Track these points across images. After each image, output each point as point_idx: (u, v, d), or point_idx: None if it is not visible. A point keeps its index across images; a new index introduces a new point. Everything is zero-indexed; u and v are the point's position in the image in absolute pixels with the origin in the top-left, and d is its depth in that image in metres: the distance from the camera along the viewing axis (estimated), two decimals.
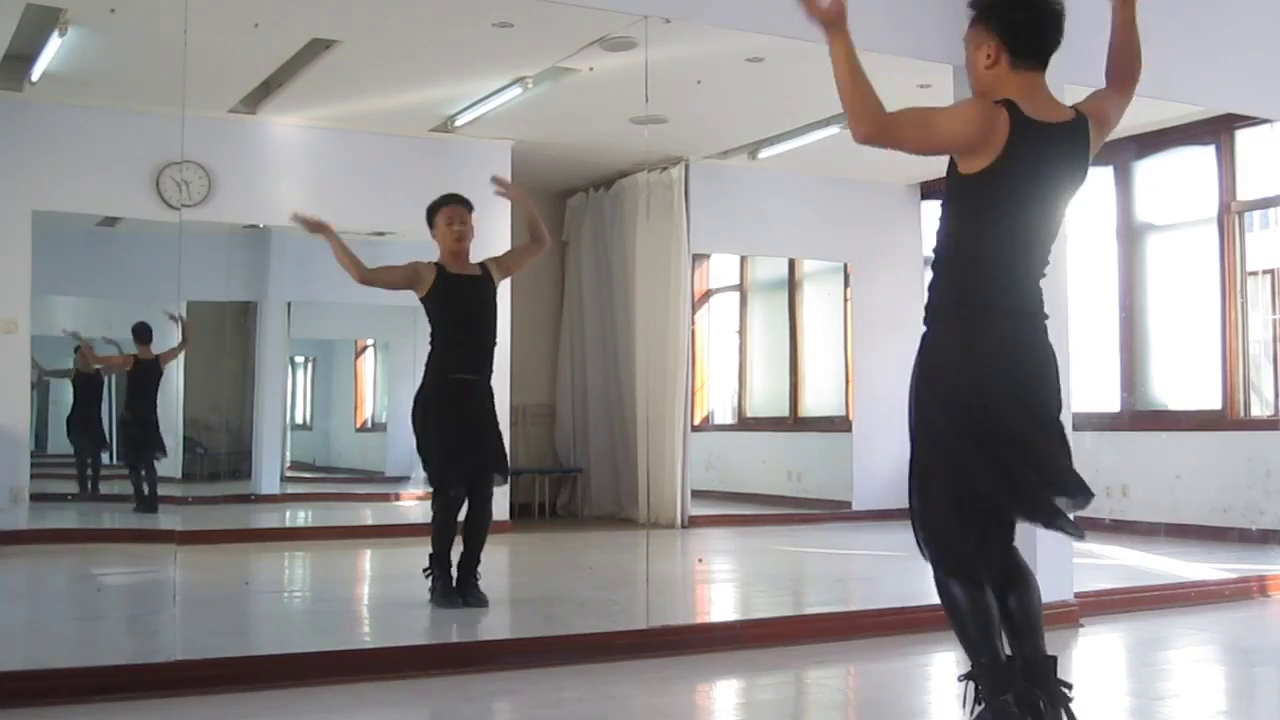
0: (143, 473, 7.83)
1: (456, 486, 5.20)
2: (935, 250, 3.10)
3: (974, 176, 2.92)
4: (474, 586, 5.18)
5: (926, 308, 3.06)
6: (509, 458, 5.59)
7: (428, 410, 5.22)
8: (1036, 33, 2.96)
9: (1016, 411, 2.90)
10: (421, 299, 5.28)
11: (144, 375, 7.72)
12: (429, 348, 5.31)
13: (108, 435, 8.08)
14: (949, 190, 3.02)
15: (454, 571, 5.17)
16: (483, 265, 5.37)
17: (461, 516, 5.27)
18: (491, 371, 5.33)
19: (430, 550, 5.17)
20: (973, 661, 2.94)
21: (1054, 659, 2.93)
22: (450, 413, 5.16)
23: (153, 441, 7.72)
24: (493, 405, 5.34)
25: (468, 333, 5.25)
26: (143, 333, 7.69)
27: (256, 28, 6.21)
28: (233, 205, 7.70)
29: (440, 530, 5.20)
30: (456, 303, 5.22)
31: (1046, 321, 3.03)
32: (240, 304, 8.45)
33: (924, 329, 3.06)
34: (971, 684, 2.95)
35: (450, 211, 5.31)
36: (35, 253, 7.12)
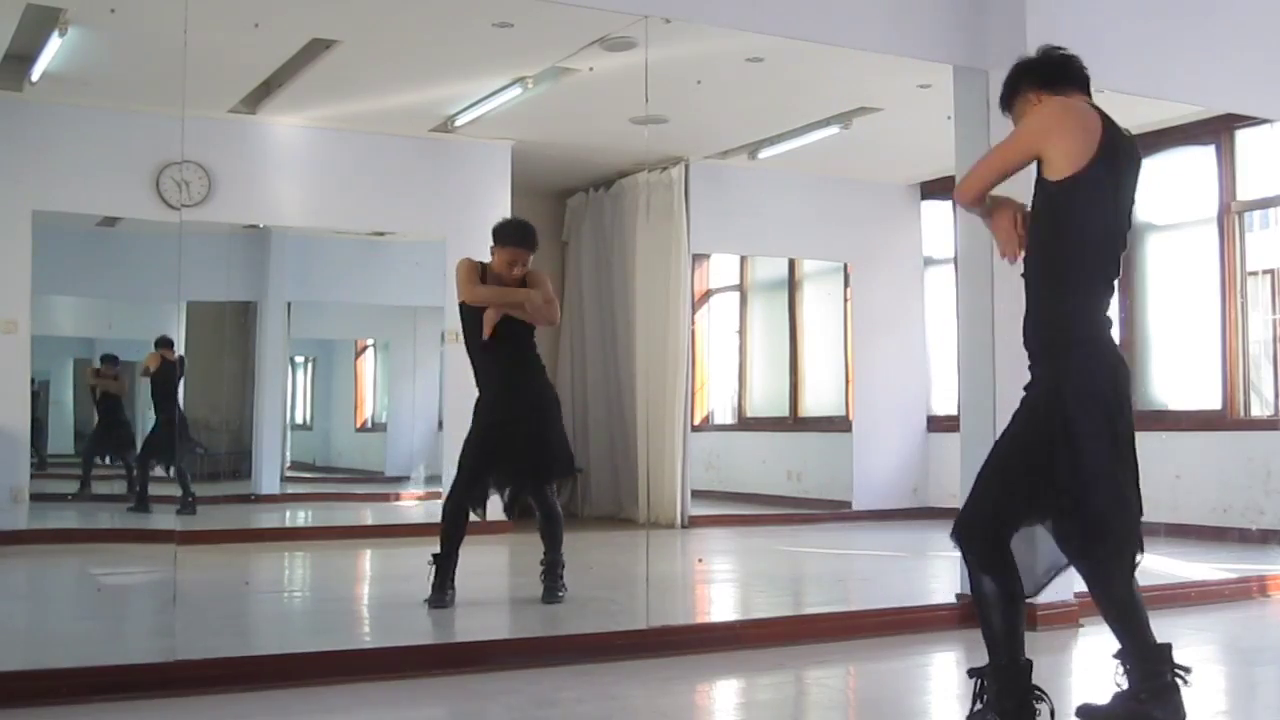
0: (170, 472, 7.87)
1: (466, 490, 5.20)
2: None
3: (1068, 180, 2.91)
4: (553, 581, 5.20)
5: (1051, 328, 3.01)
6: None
7: (473, 418, 5.25)
8: (1061, 62, 3.10)
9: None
10: (462, 306, 5.27)
11: (169, 377, 7.77)
12: (470, 358, 5.31)
13: (135, 441, 8.12)
14: (1049, 198, 2.99)
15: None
16: (523, 281, 5.33)
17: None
18: (543, 378, 5.39)
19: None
20: (991, 658, 2.94)
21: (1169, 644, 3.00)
22: (488, 420, 5.19)
23: (186, 440, 7.77)
24: (548, 407, 5.35)
25: (505, 343, 5.26)
26: (164, 340, 7.78)
27: (256, 28, 6.20)
28: (233, 205, 7.70)
29: (445, 527, 5.19)
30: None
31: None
32: (240, 304, 8.46)
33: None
34: (977, 681, 2.96)
35: (516, 255, 5.25)
36: (35, 253, 7.12)
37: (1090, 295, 2.98)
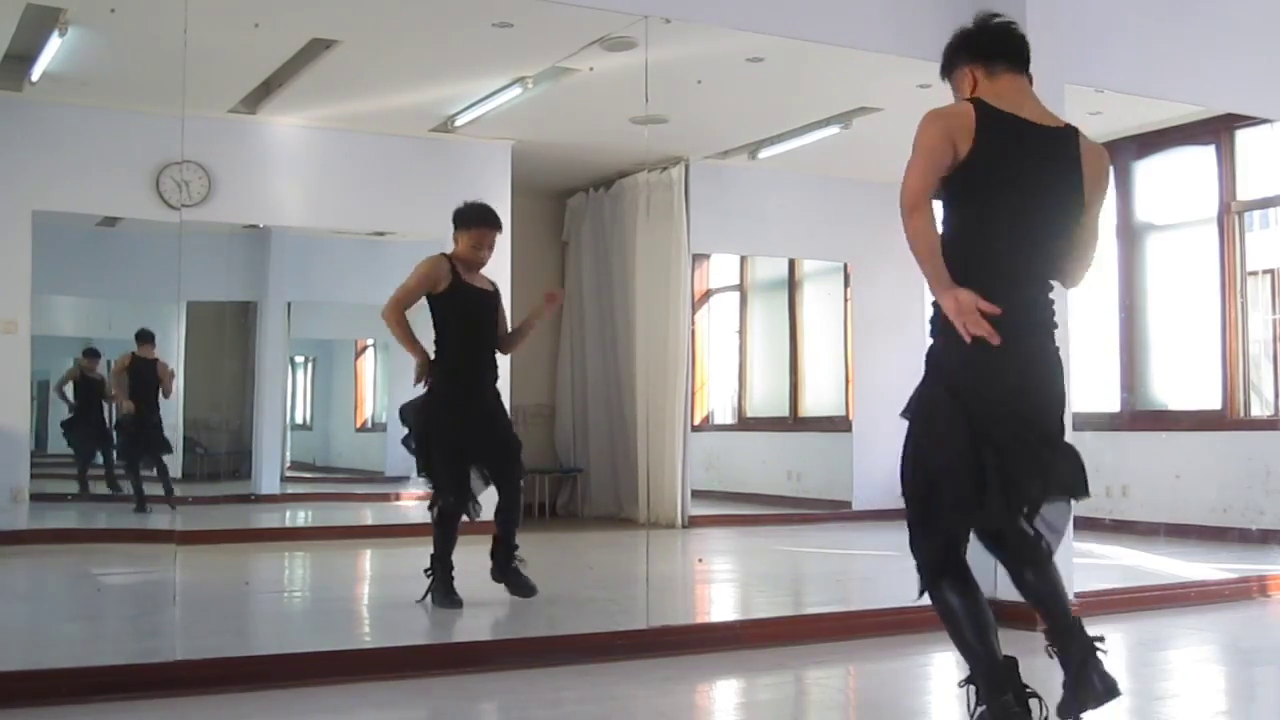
0: (143, 473, 7.83)
1: (458, 492, 5.19)
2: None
3: (957, 169, 2.91)
4: (516, 572, 5.19)
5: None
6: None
7: (433, 414, 5.21)
8: (999, 36, 3.07)
9: (1007, 419, 2.91)
10: (432, 299, 5.25)
11: (142, 374, 7.74)
12: (435, 350, 5.29)
13: (110, 436, 8.09)
14: (945, 191, 3.01)
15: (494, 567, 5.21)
16: (494, 285, 5.40)
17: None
18: (497, 376, 5.38)
19: (432, 551, 5.18)
20: (971, 665, 2.95)
21: (1078, 620, 2.98)
22: (457, 416, 5.16)
23: (153, 441, 7.72)
24: (501, 403, 5.40)
25: (477, 340, 5.27)
26: (144, 335, 7.72)
27: (256, 28, 6.20)
28: (233, 205, 7.70)
29: (442, 531, 5.19)
30: (467, 310, 5.23)
31: (1050, 330, 3.02)
32: (240, 304, 8.45)
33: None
34: (972, 687, 2.96)
35: (481, 235, 5.24)
36: (35, 253, 7.11)
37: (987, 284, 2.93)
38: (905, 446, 3.01)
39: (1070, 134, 3.04)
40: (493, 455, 5.26)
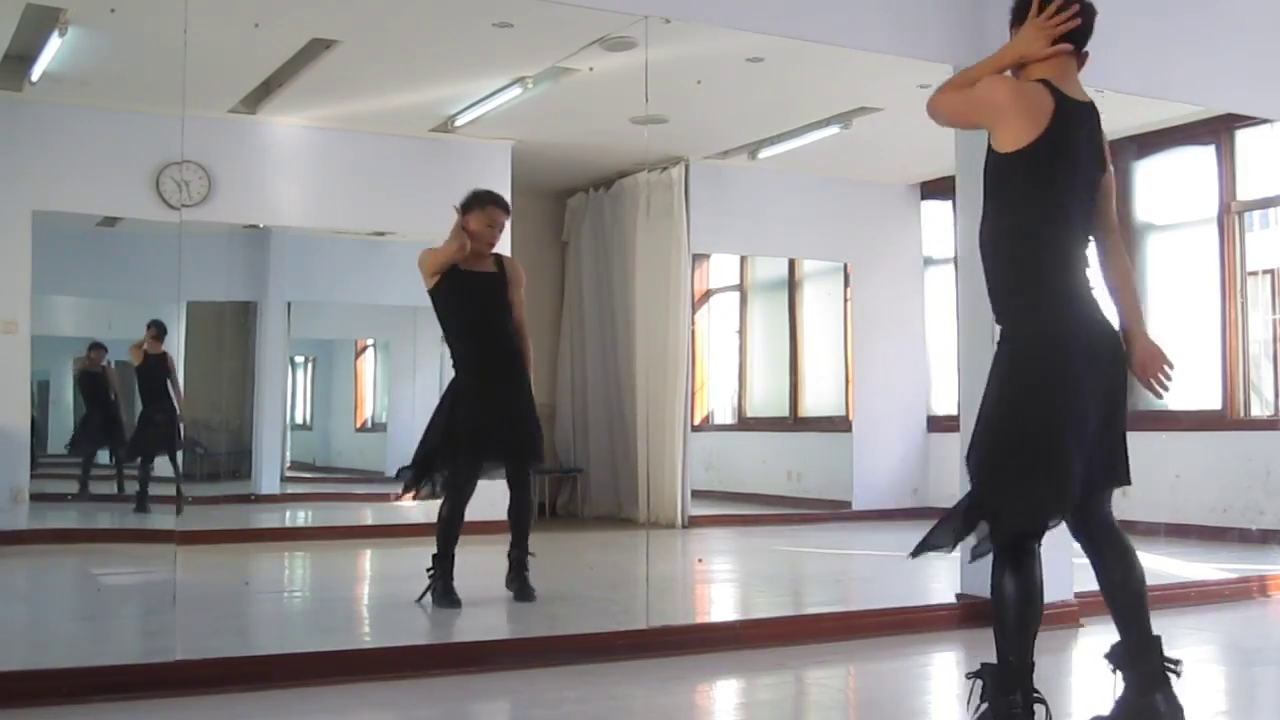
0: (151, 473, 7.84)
1: (462, 476, 5.19)
2: (984, 237, 3.09)
3: (1022, 151, 2.93)
4: (524, 581, 5.21)
5: (993, 296, 3.08)
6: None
7: (452, 403, 5.22)
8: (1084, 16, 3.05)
9: (1083, 400, 2.91)
10: (433, 294, 5.27)
11: (150, 369, 7.73)
12: (448, 344, 5.31)
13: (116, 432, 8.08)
14: (992, 175, 3.04)
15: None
16: (499, 261, 5.37)
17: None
18: (522, 365, 5.33)
19: (435, 551, 5.18)
20: (999, 653, 2.90)
21: (1159, 636, 2.97)
22: (470, 403, 5.17)
23: (162, 438, 7.72)
24: (527, 394, 5.34)
25: (482, 326, 5.26)
26: (152, 327, 7.71)
27: (256, 28, 6.20)
28: (233, 205, 7.70)
29: (444, 528, 5.18)
30: (466, 297, 5.23)
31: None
32: (240, 304, 8.45)
33: (1005, 320, 3.06)
34: (979, 682, 2.93)
35: (493, 215, 5.28)
36: (35, 253, 7.12)
37: (1047, 256, 3.00)
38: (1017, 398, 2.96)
39: (1094, 107, 3.09)
40: (504, 449, 5.24)
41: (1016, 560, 2.90)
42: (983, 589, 4.88)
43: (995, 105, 2.96)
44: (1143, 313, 3.19)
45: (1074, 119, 2.97)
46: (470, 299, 5.23)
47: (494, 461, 5.26)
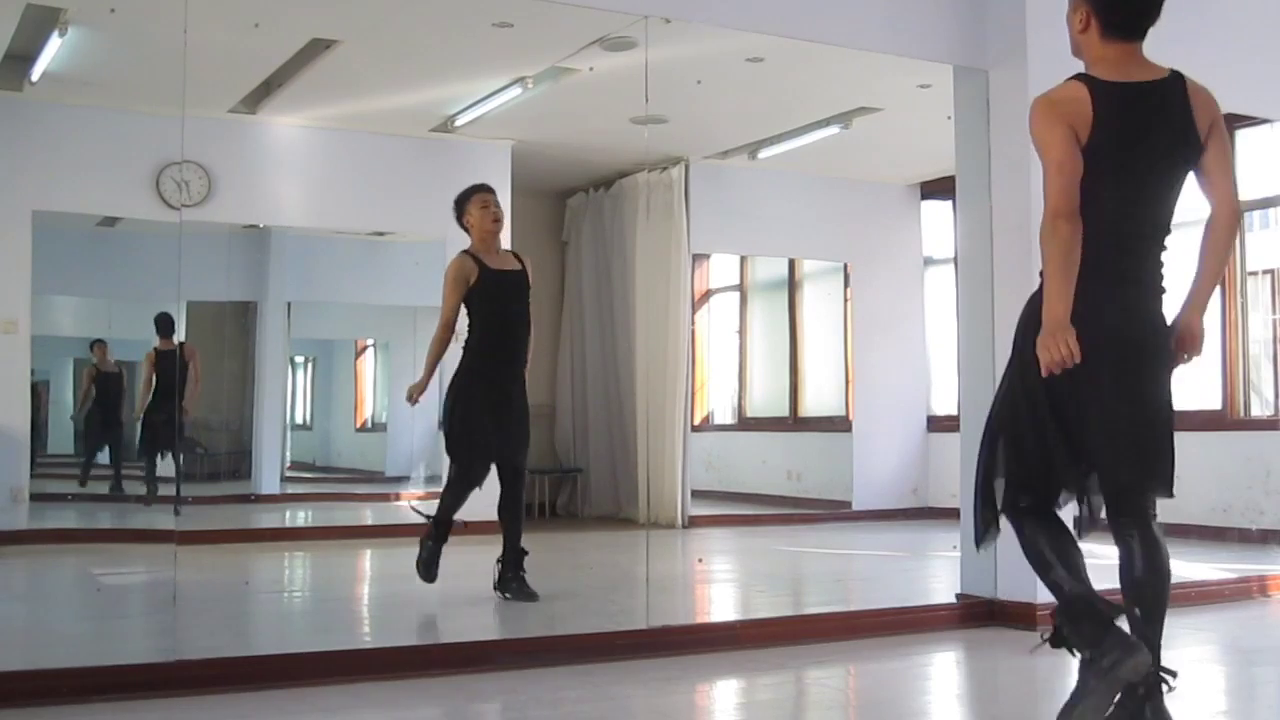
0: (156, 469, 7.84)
1: (482, 462, 5.25)
2: None
3: (1084, 152, 2.90)
4: (522, 580, 5.24)
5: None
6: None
7: (467, 396, 5.27)
8: (1128, 8, 2.99)
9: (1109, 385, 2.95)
10: (464, 297, 5.33)
11: (164, 368, 7.74)
12: (468, 336, 5.36)
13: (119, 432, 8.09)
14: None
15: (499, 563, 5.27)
16: (519, 258, 5.46)
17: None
18: (526, 364, 5.41)
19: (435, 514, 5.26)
20: (1063, 602, 2.91)
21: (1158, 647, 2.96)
22: (487, 397, 5.23)
23: (171, 438, 7.72)
24: (523, 393, 5.41)
25: (504, 325, 5.33)
26: (160, 323, 7.71)
27: (256, 28, 6.21)
28: (233, 205, 7.70)
29: (452, 500, 5.26)
30: (497, 298, 5.30)
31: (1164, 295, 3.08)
32: (240, 304, 8.45)
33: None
34: (1060, 640, 2.92)
35: (485, 197, 5.41)
36: (35, 253, 7.12)
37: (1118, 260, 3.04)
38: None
39: (1175, 81, 3.00)
40: (501, 447, 5.28)
41: (1026, 524, 2.97)
42: (983, 589, 4.90)
43: (1049, 143, 2.89)
44: (1203, 298, 3.24)
45: (1125, 107, 2.91)
46: (499, 296, 5.31)
47: (496, 460, 5.31)
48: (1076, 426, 2.98)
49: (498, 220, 5.40)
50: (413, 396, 5.32)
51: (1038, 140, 2.92)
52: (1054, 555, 2.94)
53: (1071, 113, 2.88)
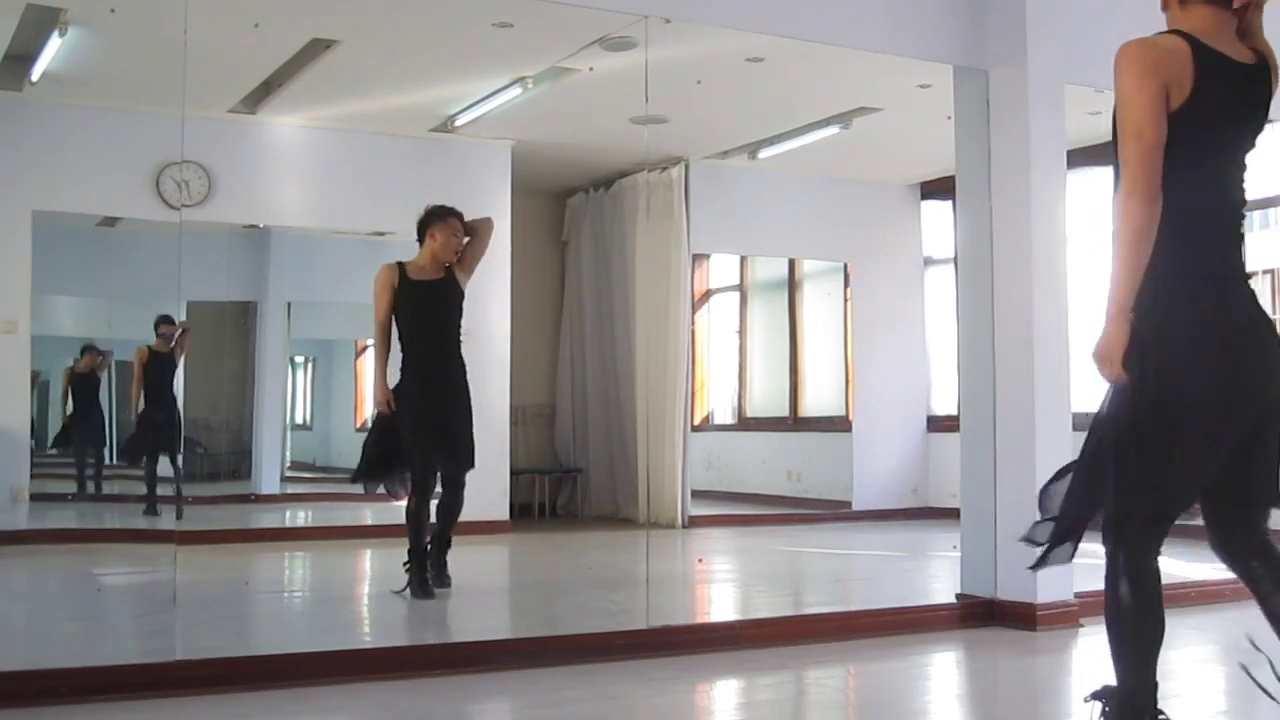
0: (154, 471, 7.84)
1: (421, 478, 5.36)
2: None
3: (1173, 116, 2.57)
4: (442, 566, 5.37)
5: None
6: (501, 454, 5.69)
7: (401, 410, 5.37)
8: None
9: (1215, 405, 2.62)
10: (389, 305, 5.45)
11: (158, 368, 7.74)
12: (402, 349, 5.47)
13: (109, 434, 8.08)
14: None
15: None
16: (447, 269, 5.52)
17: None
18: (463, 367, 5.48)
19: (408, 545, 5.32)
20: (1118, 677, 2.62)
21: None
22: (418, 410, 5.32)
23: (162, 439, 7.71)
24: (466, 398, 5.48)
25: (432, 333, 5.42)
26: (160, 322, 7.72)
27: (256, 28, 6.20)
28: (233, 205, 7.70)
29: (414, 524, 5.34)
30: (417, 305, 5.40)
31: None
32: (240, 304, 8.45)
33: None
34: (1099, 704, 2.66)
35: (454, 226, 5.49)
36: (35, 253, 7.12)
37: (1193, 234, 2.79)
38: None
39: (1263, 68, 2.72)
40: (443, 452, 5.37)
41: (1133, 564, 2.62)
42: (983, 589, 4.90)
43: (1134, 102, 2.54)
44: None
45: (1226, 82, 2.61)
46: (421, 307, 5.41)
47: (439, 462, 5.40)
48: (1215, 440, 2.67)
49: (458, 251, 5.48)
50: (380, 407, 5.41)
51: (1121, 93, 2.56)
52: (1134, 627, 2.62)
53: (1173, 69, 2.54)
